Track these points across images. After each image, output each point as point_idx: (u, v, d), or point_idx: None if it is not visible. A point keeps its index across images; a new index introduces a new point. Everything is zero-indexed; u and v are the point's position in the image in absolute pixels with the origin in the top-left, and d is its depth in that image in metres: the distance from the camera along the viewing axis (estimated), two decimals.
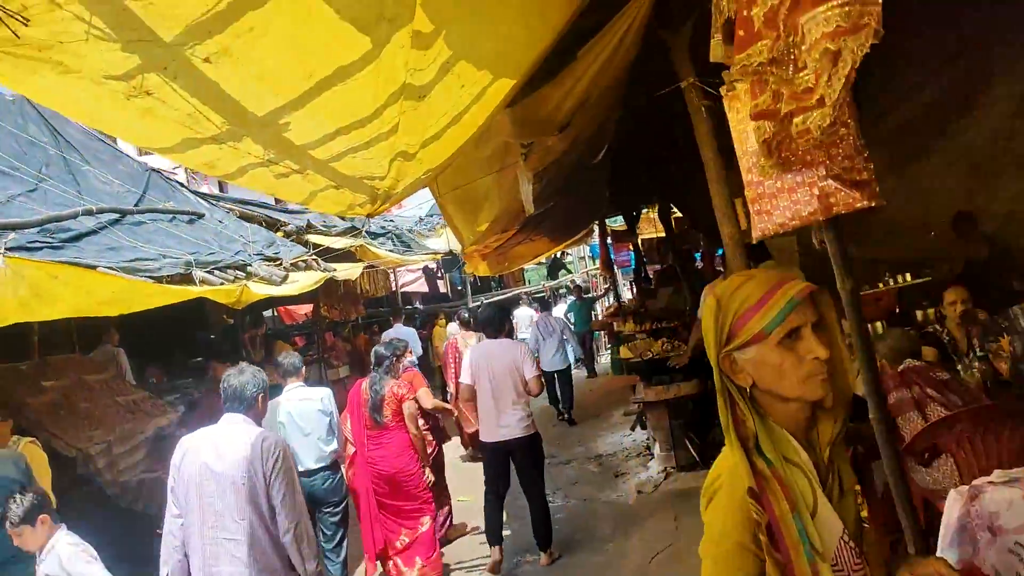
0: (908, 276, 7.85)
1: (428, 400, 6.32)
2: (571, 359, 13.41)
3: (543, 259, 19.34)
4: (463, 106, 3.74)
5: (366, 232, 11.63)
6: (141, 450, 6.08)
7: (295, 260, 7.52)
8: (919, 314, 7.43)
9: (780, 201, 2.66)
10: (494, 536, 5.96)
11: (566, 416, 12.24)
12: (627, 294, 21.43)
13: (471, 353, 6.09)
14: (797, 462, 1.60)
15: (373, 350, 6.01)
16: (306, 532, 3.44)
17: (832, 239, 2.91)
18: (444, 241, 13.61)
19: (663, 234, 17.92)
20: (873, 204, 2.51)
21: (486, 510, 5.98)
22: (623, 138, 7.83)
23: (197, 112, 2.53)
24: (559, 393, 12.50)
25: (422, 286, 23.25)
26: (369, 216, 4.43)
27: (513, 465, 5.94)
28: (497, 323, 6.08)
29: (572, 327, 15.12)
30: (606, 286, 20.00)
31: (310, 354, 14.02)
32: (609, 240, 16.14)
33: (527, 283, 25.47)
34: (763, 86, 2.14)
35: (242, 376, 3.59)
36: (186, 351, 10.84)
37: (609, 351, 17.26)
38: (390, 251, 11.49)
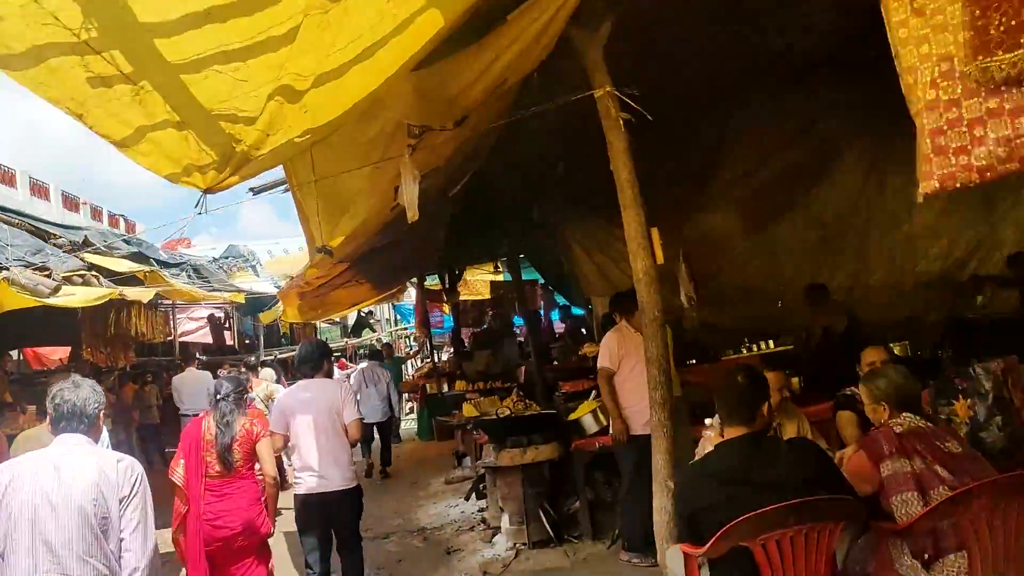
0: (770, 343, 7.55)
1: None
2: (394, 411, 12.84)
3: (348, 313, 17.96)
4: (381, 34, 2.68)
5: (155, 261, 9.88)
6: None
7: (70, 273, 5.87)
8: (795, 381, 7.08)
9: (994, 129, 1.84)
10: None
11: (382, 469, 11.69)
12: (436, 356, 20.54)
13: (282, 397, 5.47)
14: None
15: (216, 381, 5.15)
16: (155, 573, 3.04)
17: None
18: (248, 282, 12.01)
19: (482, 296, 17.34)
20: None
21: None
22: (486, 172, 7.00)
23: None
24: (381, 444, 12.03)
25: (205, 336, 20.91)
26: (207, 192, 3.16)
27: (330, 521, 5.23)
28: (316, 360, 5.38)
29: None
30: (415, 347, 18.89)
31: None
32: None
33: (325, 339, 23.80)
34: None
35: (80, 390, 3.17)
36: None
37: (415, 414, 16.14)
38: (187, 283, 9.76)
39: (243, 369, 10.89)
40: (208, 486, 4.84)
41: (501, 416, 6.39)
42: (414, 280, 16.74)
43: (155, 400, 15.18)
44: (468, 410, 7.27)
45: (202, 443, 4.88)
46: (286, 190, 5.56)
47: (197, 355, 17.13)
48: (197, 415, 5.24)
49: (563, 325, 12.12)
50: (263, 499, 4.98)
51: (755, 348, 7.58)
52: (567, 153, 6.83)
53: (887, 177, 8.37)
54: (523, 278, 18.05)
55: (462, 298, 17.18)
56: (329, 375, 5.64)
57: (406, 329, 23.23)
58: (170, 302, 18.30)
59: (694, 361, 7.43)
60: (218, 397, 4.97)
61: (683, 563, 3.37)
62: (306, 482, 5.15)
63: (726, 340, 8.58)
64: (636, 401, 5.88)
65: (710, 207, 8.52)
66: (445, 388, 14.67)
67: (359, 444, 13.12)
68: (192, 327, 21.80)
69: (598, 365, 5.98)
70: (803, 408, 6.35)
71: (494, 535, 7.02)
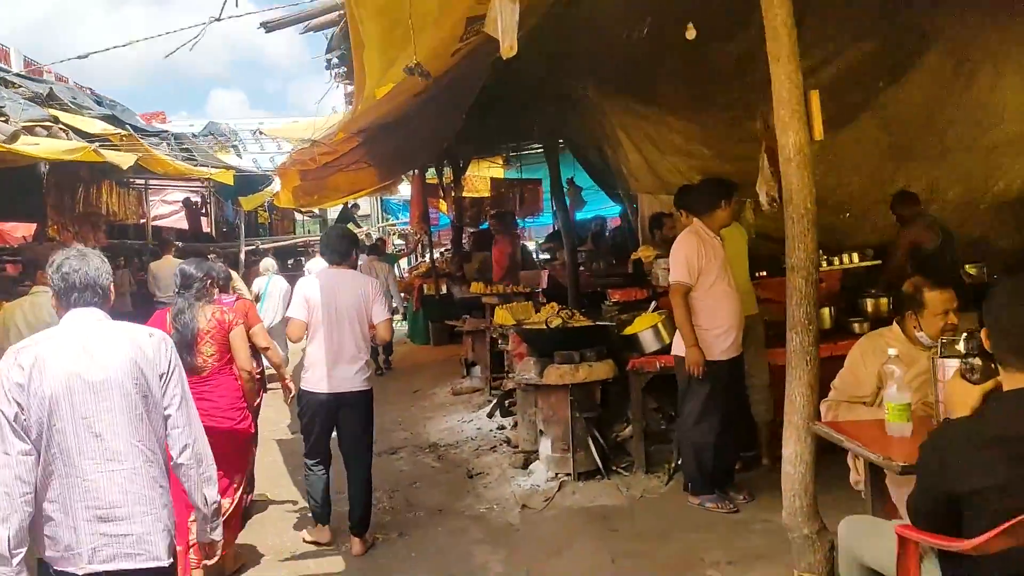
0: (855, 257, 6.57)
1: (263, 338, 4.99)
2: (395, 306, 12.29)
3: (339, 204, 16.71)
4: None
5: (131, 127, 8.58)
6: None
7: (32, 123, 4.68)
8: (868, 304, 6.15)
9: None
10: (323, 513, 5.01)
11: (381, 368, 11.29)
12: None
13: (308, 282, 4.93)
14: None
15: (178, 268, 4.58)
16: (205, 451, 2.76)
17: None
18: (234, 157, 10.73)
19: (481, 194, 16.15)
20: None
21: (309, 480, 5.00)
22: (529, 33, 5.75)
23: None
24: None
25: (180, 221, 19.61)
26: None
27: (337, 427, 4.93)
28: (345, 248, 4.97)
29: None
30: (402, 245, 17.76)
31: (26, 284, 10.49)
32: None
33: (307, 232, 22.56)
34: None
35: (89, 259, 2.73)
36: None
37: (406, 316, 15.16)
38: (168, 155, 8.48)
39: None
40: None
41: (552, 326, 5.38)
42: (411, 173, 15.58)
43: (127, 287, 14.08)
44: (503, 317, 6.27)
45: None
46: (307, 28, 4.36)
47: (174, 241, 15.95)
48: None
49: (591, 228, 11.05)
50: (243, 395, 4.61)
51: (836, 262, 6.59)
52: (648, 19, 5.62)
53: (976, 76, 7.25)
54: (526, 176, 17.06)
55: (467, 194, 15.97)
56: (355, 267, 5.20)
57: (395, 225, 22.01)
58: (143, 181, 16.99)
59: (764, 274, 6.44)
60: (179, 288, 4.49)
61: (890, 549, 2.43)
62: (315, 379, 4.74)
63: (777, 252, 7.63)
64: (717, 322, 4.92)
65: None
66: (444, 289, 13.71)
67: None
68: (166, 211, 20.40)
69: (671, 279, 4.97)
70: None
71: (526, 460, 6.12)
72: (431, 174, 14.70)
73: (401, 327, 17.10)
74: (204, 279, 4.53)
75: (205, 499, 2.72)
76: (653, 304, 5.87)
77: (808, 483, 3.39)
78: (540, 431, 5.73)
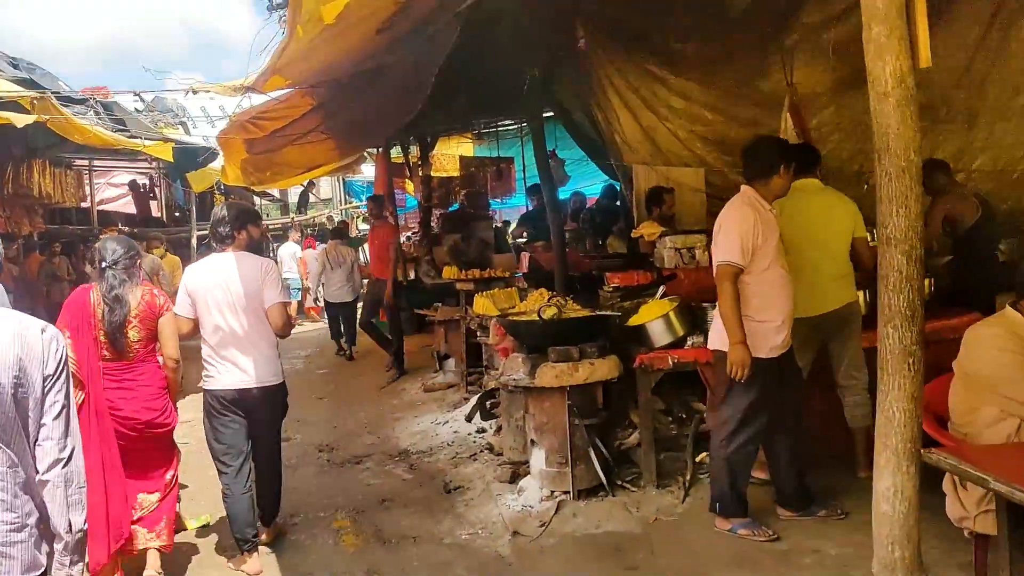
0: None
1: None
2: (361, 292, 11.92)
3: (295, 183, 15.65)
4: None
5: (52, 93, 7.48)
6: None
7: None
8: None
9: None
10: (248, 538, 4.39)
11: (348, 351, 11.33)
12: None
13: (191, 273, 4.48)
14: None
15: (99, 244, 4.25)
16: (78, 470, 2.35)
17: None
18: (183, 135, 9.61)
19: (449, 173, 15.17)
20: None
21: (228, 499, 4.42)
22: None
23: None
24: (343, 327, 11.55)
25: (128, 206, 18.39)
26: None
27: (248, 427, 4.49)
28: (230, 225, 4.42)
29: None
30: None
31: None
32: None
33: (267, 217, 21.34)
34: None
35: None
36: None
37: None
38: (95, 124, 7.37)
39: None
40: (104, 369, 4.05)
41: (545, 317, 4.47)
42: (373, 152, 14.57)
43: (65, 274, 12.94)
44: (483, 306, 5.36)
45: (92, 320, 4.05)
46: None
47: (120, 225, 14.79)
48: None
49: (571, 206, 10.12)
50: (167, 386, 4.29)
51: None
52: None
53: (1012, 30, 6.50)
54: (502, 153, 16.09)
55: (436, 173, 14.95)
56: (253, 248, 4.61)
57: (359, 208, 20.88)
58: (86, 162, 15.75)
59: None
60: (104, 264, 4.06)
61: None
62: (218, 376, 4.36)
63: None
64: (771, 313, 4.03)
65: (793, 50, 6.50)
66: (412, 275, 12.73)
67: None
68: (113, 194, 19.16)
69: (718, 259, 4.02)
70: (935, 321, 4.67)
71: (514, 473, 5.23)
72: (396, 153, 13.68)
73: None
74: (129, 254, 4.15)
75: (70, 525, 2.31)
76: (661, 290, 5.00)
77: (911, 527, 2.54)
78: (531, 440, 4.84)
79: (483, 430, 6.55)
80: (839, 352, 4.62)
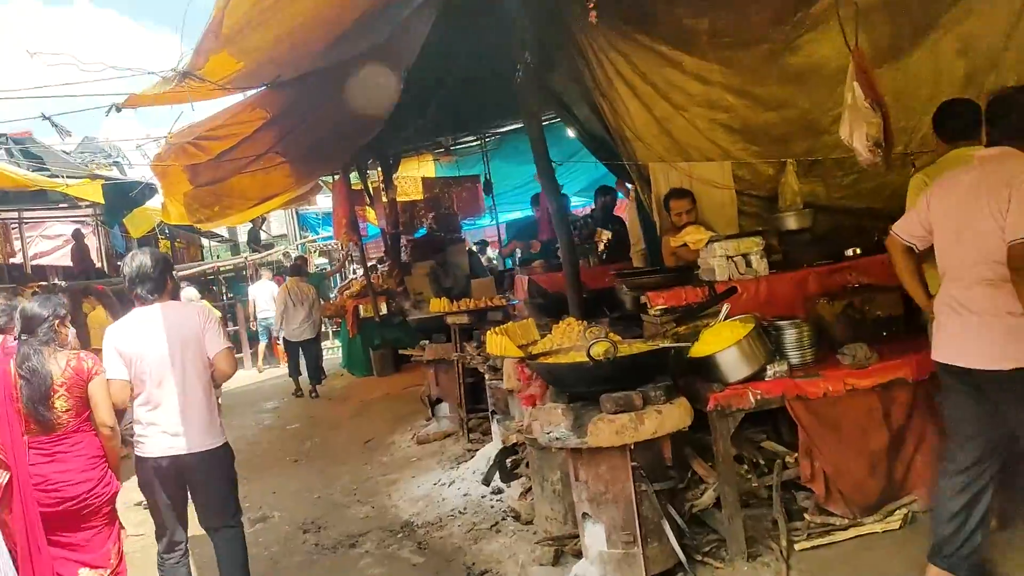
0: None
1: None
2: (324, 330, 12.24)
3: (246, 219, 14.47)
4: None
5: None
6: None
7: None
8: None
9: None
10: None
11: (311, 390, 11.02)
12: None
13: (116, 331, 3.96)
14: None
15: (20, 309, 3.94)
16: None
17: None
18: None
19: (411, 197, 14.12)
20: None
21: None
22: None
23: None
24: (304, 364, 11.23)
25: (65, 258, 16.93)
26: None
27: (192, 498, 4.08)
28: (157, 277, 3.99)
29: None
30: (328, 263, 15.56)
31: None
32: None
33: (214, 258, 20.01)
34: None
35: None
36: None
37: (339, 341, 13.05)
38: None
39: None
40: (32, 444, 3.82)
41: (598, 357, 3.44)
42: (329, 180, 13.53)
43: None
44: (500, 345, 4.29)
45: (13, 392, 3.78)
46: None
47: (57, 279, 13.42)
48: None
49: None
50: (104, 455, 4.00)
51: None
52: None
53: None
54: (461, 172, 15.09)
55: (403, 198, 13.90)
56: (175, 296, 4.40)
57: (315, 242, 19.68)
58: (15, 214, 14.38)
59: (858, 251, 4.69)
60: (23, 332, 3.86)
61: None
62: (153, 442, 3.93)
63: (836, 226, 5.93)
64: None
65: (818, 24, 5.61)
66: (384, 309, 11.66)
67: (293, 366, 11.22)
68: (47, 247, 17.78)
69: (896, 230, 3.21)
70: None
71: (556, 553, 4.18)
72: (354, 179, 12.63)
73: (333, 356, 14.95)
74: (51, 319, 3.91)
75: None
76: (726, 308, 4.01)
77: None
78: (584, 514, 3.79)
79: (500, 490, 5.49)
80: None
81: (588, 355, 3.47)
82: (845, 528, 3.90)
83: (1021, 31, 5.78)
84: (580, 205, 14.37)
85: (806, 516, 3.99)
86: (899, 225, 3.41)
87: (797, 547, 3.84)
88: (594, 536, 3.78)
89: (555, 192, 5.46)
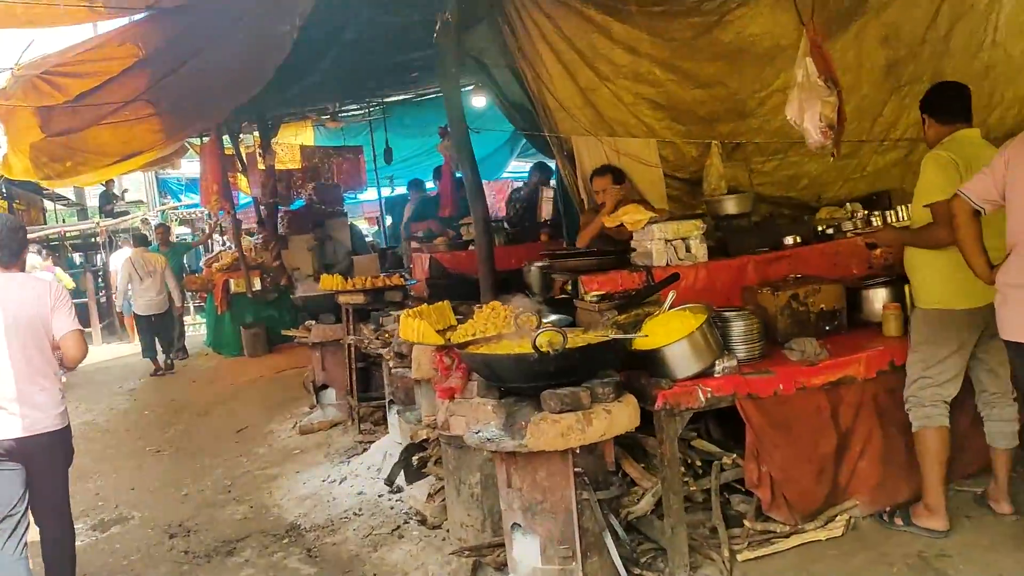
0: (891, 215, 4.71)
1: None
2: (179, 299, 11.14)
3: (103, 178, 13.12)
4: None
5: None
6: None
7: None
8: None
9: None
10: None
11: (167, 364, 10.66)
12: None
13: None
14: None
15: None
16: None
17: None
18: None
19: (287, 165, 13.20)
20: None
21: None
22: None
23: None
24: (159, 339, 10.70)
25: None
26: None
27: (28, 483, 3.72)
28: (15, 245, 3.69)
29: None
30: (203, 230, 14.37)
31: None
32: None
33: (62, 222, 18.15)
34: None
35: None
36: None
37: (208, 320, 12.01)
38: None
39: None
40: None
41: (546, 348, 2.97)
42: (196, 143, 12.42)
43: None
44: (417, 331, 3.73)
45: None
46: None
47: None
48: None
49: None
50: None
51: (892, 218, 4.70)
52: None
53: None
54: (346, 142, 14.24)
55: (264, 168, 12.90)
56: (24, 269, 3.97)
57: (177, 209, 18.18)
58: None
59: (798, 239, 4.44)
60: None
61: None
62: None
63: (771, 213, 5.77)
64: None
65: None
66: (258, 285, 10.76)
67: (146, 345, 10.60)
68: None
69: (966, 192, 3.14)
70: None
71: (475, 565, 3.72)
72: (226, 144, 11.59)
73: (196, 333, 13.84)
74: None
75: None
76: (672, 296, 3.64)
77: None
78: (515, 525, 3.33)
79: (399, 488, 4.97)
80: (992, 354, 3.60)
81: (534, 346, 3.00)
82: (787, 536, 3.64)
83: (938, 26, 5.77)
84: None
85: (746, 523, 3.70)
86: (969, 187, 3.16)
87: (740, 557, 3.54)
88: (525, 550, 3.34)
89: (472, 163, 4.94)
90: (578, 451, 3.14)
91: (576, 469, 3.17)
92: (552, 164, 7.30)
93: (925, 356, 3.56)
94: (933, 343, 3.53)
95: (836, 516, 3.72)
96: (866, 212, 4.81)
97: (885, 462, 3.75)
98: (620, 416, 3.18)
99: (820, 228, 4.65)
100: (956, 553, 3.42)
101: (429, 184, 11.23)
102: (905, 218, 4.68)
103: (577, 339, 3.22)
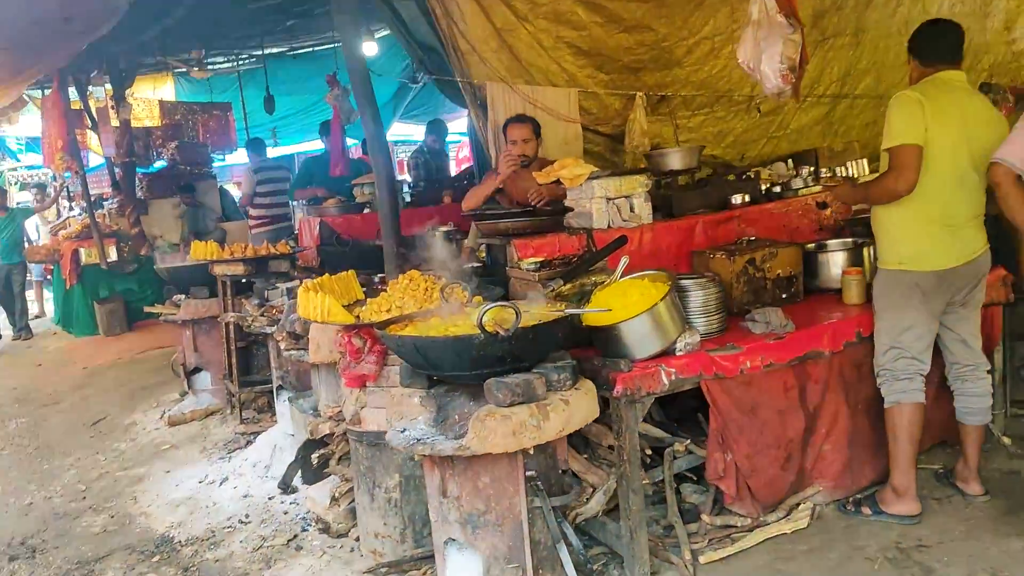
0: (864, 166, 4.37)
1: None
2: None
3: None
4: None
5: None
6: None
7: None
8: None
9: None
10: None
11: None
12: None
13: None
14: None
15: None
16: None
17: None
18: None
19: (143, 122, 11.90)
20: None
21: None
22: None
23: None
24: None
25: None
26: None
27: None
28: None
29: None
30: (49, 193, 12.80)
31: None
32: None
33: None
34: None
35: None
36: None
37: (55, 295, 10.68)
38: None
39: None
40: None
41: (493, 329, 2.38)
42: (37, 96, 11.03)
43: None
44: (319, 308, 3.01)
45: None
46: None
47: None
48: None
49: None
50: None
51: (843, 172, 4.35)
52: None
53: None
54: (208, 98, 12.98)
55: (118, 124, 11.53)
56: None
57: (16, 171, 16.25)
58: None
59: (746, 199, 4.00)
60: None
61: None
62: None
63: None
64: None
65: None
66: (113, 255, 9.58)
67: None
68: None
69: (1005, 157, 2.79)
70: None
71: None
72: (72, 97, 10.21)
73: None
74: None
75: None
76: (623, 263, 3.12)
77: None
78: (450, 540, 2.75)
79: (293, 489, 4.29)
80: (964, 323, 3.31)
81: (480, 326, 2.40)
82: (750, 530, 3.24)
83: None
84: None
85: (703, 518, 3.27)
86: (1006, 150, 2.80)
87: (703, 559, 3.10)
88: (463, 569, 2.76)
89: (375, 112, 4.23)
90: (531, 451, 2.59)
91: (528, 473, 2.62)
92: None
93: (892, 323, 3.21)
94: (898, 307, 3.18)
95: (799, 505, 3.35)
96: (812, 168, 4.45)
97: (851, 444, 3.40)
98: (579, 407, 2.64)
99: (765, 187, 4.25)
100: (935, 543, 3.10)
101: (312, 146, 10.35)
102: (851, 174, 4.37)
103: (528, 316, 2.64)
